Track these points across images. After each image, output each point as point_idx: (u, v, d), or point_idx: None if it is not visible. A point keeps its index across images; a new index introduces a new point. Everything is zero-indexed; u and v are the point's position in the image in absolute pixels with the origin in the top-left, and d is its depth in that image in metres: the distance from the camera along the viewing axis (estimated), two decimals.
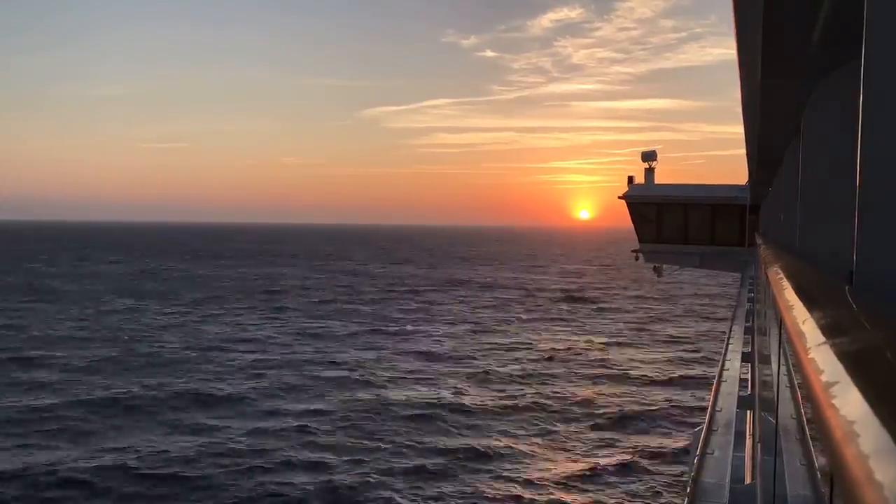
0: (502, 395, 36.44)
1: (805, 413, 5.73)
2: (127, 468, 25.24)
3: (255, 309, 69.48)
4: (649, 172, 35.45)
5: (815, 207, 6.40)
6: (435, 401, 34.61)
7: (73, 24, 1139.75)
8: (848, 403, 0.88)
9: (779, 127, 9.62)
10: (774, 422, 5.21)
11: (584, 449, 28.29)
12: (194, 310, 67.88)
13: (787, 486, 4.48)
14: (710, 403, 5.94)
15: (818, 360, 1.22)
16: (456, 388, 37.56)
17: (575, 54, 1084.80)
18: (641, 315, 69.13)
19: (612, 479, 25.18)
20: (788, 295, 2.45)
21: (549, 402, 35.34)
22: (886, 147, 2.40)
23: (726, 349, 8.33)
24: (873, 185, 2.43)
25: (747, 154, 16.22)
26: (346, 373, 40.58)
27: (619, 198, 35.34)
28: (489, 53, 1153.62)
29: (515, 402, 35.06)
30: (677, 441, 28.62)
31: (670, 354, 48.23)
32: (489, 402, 34.76)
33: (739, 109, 10.29)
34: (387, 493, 23.31)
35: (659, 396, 36.60)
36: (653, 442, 29.13)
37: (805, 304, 2.00)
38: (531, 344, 51.97)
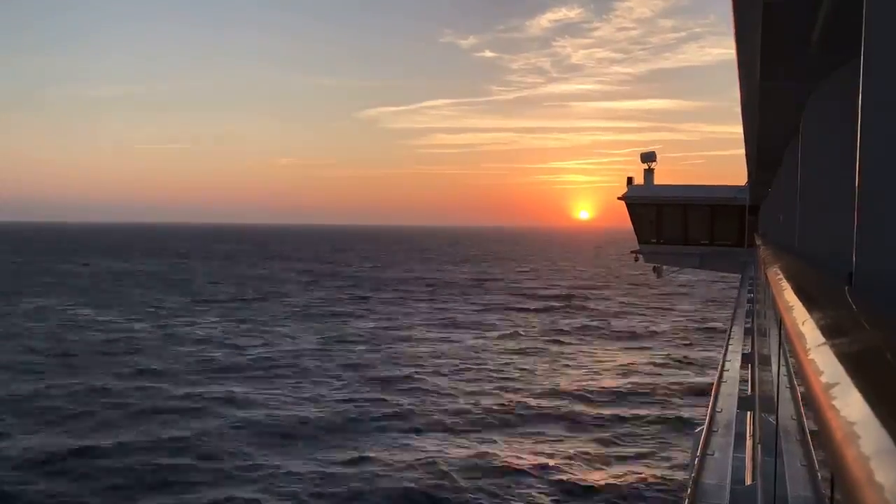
0: (489, 399, 36.45)
1: (805, 414, 5.74)
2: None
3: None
4: (649, 173, 35.47)
5: (815, 208, 6.40)
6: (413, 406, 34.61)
7: (71, 24, 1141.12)
8: (848, 404, 0.88)
9: (778, 127, 9.63)
10: (775, 423, 5.21)
11: (584, 449, 28.28)
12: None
13: (788, 487, 4.48)
14: (710, 404, 5.93)
15: (818, 361, 1.22)
16: (456, 393, 37.57)
17: (574, 54, 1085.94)
18: (641, 315, 69.17)
19: (613, 479, 25.17)
20: (788, 295, 2.45)
21: (544, 402, 35.35)
22: (886, 147, 2.40)
23: (726, 350, 8.32)
24: (873, 185, 2.43)
25: (746, 154, 16.23)
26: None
27: (619, 198, 35.35)
28: (488, 54, 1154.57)
29: (494, 401, 35.07)
30: (677, 442, 28.62)
31: (670, 355, 48.25)
32: (487, 405, 34.78)
33: (739, 109, 10.30)
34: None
35: (659, 397, 36.60)
36: (653, 442, 29.12)
37: (805, 304, 1.99)
38: (529, 347, 52.00)
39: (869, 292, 2.38)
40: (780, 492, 4.34)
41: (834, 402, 0.93)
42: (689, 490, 4.18)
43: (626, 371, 43.07)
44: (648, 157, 35.60)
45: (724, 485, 4.23)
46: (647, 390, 37.98)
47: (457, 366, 43.27)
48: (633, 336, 56.89)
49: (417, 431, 30.05)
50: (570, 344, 52.73)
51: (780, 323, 2.62)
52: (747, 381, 8.04)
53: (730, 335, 9.53)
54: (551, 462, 26.69)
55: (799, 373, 1.49)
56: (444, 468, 25.56)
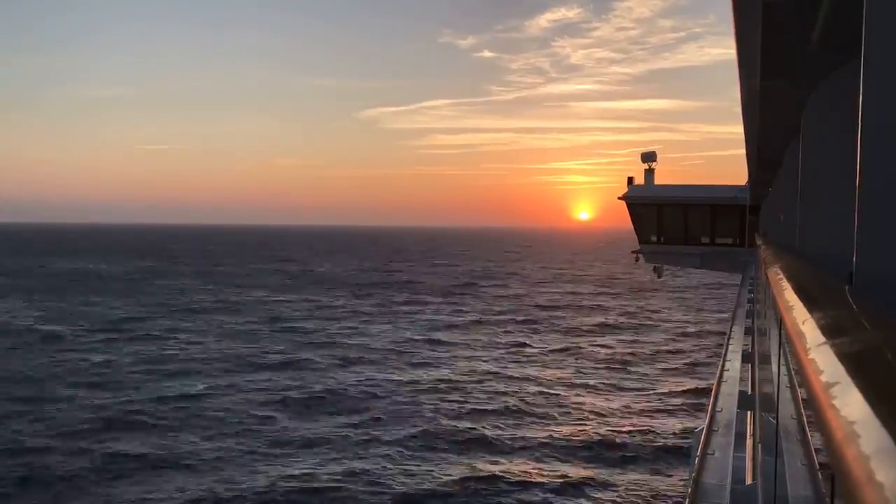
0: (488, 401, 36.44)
1: (805, 413, 5.73)
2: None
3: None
4: (649, 173, 35.46)
5: (815, 208, 6.40)
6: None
7: (71, 25, 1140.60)
8: (848, 404, 0.88)
9: (778, 127, 9.63)
10: (775, 422, 5.21)
11: (584, 449, 28.28)
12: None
13: (788, 486, 4.48)
14: (711, 404, 5.93)
15: (818, 361, 1.22)
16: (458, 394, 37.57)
17: (573, 54, 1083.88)
18: (641, 314, 69.18)
19: (613, 479, 25.16)
20: (788, 295, 2.45)
21: (544, 403, 35.36)
22: (886, 147, 2.40)
23: (726, 349, 8.32)
24: (873, 185, 2.44)
25: (747, 154, 16.22)
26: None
27: (619, 198, 35.34)
28: (487, 54, 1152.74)
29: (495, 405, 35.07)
30: (678, 442, 28.62)
31: (670, 354, 48.24)
32: (482, 407, 34.79)
33: (739, 110, 10.29)
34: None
35: (659, 397, 36.61)
36: (653, 442, 29.12)
37: (805, 304, 1.99)
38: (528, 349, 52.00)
39: (869, 292, 2.38)
40: (780, 491, 4.34)
41: (834, 402, 0.93)
42: (689, 489, 4.18)
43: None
44: (649, 157, 35.58)
45: (724, 484, 4.23)
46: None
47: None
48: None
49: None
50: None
51: (781, 322, 2.62)
52: (747, 380, 8.03)
53: (730, 335, 9.52)
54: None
55: (799, 372, 1.49)
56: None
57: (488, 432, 30.05)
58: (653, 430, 30.89)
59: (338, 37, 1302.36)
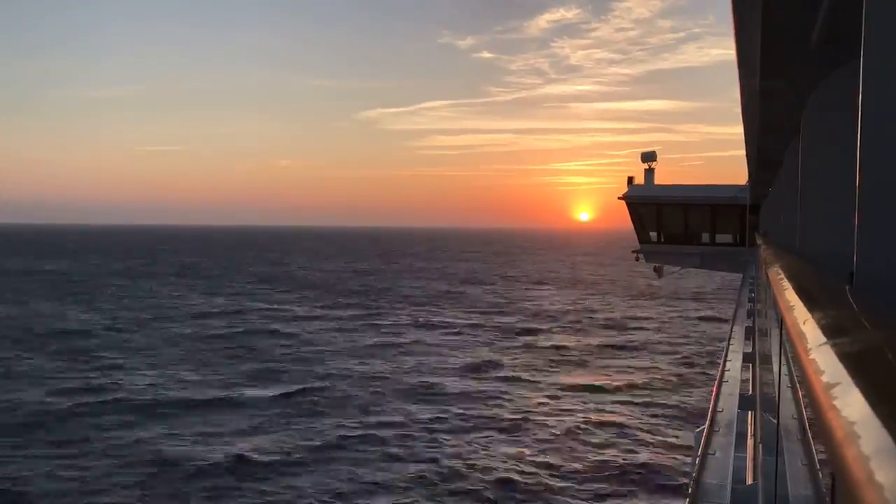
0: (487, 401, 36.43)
1: (806, 413, 5.73)
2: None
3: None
4: (649, 173, 35.44)
5: (816, 208, 6.40)
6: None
7: (69, 26, 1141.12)
8: (849, 404, 0.88)
9: (778, 127, 9.63)
10: (776, 422, 5.21)
11: (584, 449, 28.27)
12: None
13: (789, 486, 4.48)
14: (711, 404, 5.93)
15: (819, 361, 1.22)
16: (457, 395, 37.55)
17: (572, 55, 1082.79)
18: (640, 313, 69.15)
19: (614, 479, 25.16)
20: (789, 295, 2.45)
21: (546, 400, 35.36)
22: (886, 147, 2.40)
23: (727, 349, 8.31)
24: (873, 185, 2.43)
25: (747, 154, 16.22)
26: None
27: (619, 198, 35.32)
28: (486, 55, 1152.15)
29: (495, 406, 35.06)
30: (678, 441, 28.61)
31: (670, 354, 48.23)
32: (480, 406, 34.78)
33: (739, 110, 10.28)
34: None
35: (659, 396, 36.59)
36: (653, 442, 29.11)
37: (806, 304, 1.99)
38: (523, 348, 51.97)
39: (870, 292, 2.37)
40: (780, 491, 4.34)
41: (835, 402, 0.93)
42: (690, 489, 4.18)
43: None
44: (649, 157, 35.57)
45: (725, 484, 4.23)
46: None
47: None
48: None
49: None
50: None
51: (781, 322, 2.62)
52: (748, 380, 8.03)
53: (731, 335, 9.51)
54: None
55: (800, 372, 1.49)
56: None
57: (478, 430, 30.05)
58: (652, 429, 30.89)
59: (337, 37, 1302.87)
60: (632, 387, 38.80)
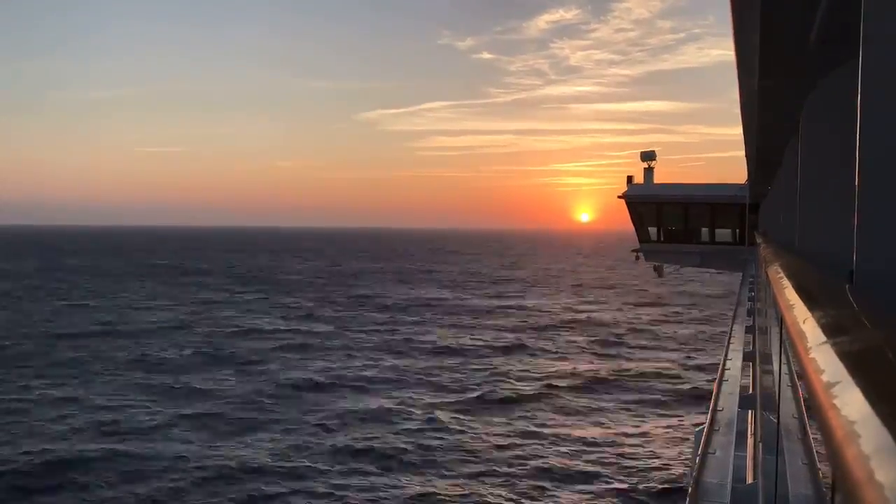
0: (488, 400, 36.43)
1: (806, 412, 5.73)
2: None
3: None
4: (648, 172, 35.46)
5: (815, 206, 6.40)
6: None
7: (69, 27, 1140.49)
8: (849, 403, 0.88)
9: (777, 127, 9.63)
10: (776, 421, 5.21)
11: (584, 449, 28.27)
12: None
13: (789, 485, 4.48)
14: (712, 403, 5.93)
15: (819, 360, 1.22)
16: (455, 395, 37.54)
17: (572, 56, 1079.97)
18: (640, 313, 69.17)
19: (614, 479, 25.16)
20: (789, 294, 2.45)
21: (546, 399, 35.37)
22: (885, 146, 2.41)
23: (727, 348, 8.32)
24: (872, 184, 2.44)
25: (746, 154, 16.22)
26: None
27: (619, 197, 35.32)
28: (486, 55, 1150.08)
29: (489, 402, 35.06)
30: (679, 441, 28.62)
31: (670, 354, 48.24)
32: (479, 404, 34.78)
33: (738, 110, 10.28)
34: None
35: (659, 396, 36.60)
36: (654, 441, 29.12)
37: (806, 303, 1.99)
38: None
39: (870, 291, 2.38)
40: (781, 490, 4.34)
41: (835, 401, 0.93)
42: (690, 488, 4.18)
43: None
44: (648, 156, 35.58)
45: (725, 483, 4.24)
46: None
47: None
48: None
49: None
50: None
51: (781, 321, 2.62)
52: (748, 379, 8.03)
53: (731, 334, 9.52)
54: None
55: (800, 371, 1.49)
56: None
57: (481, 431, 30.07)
58: (653, 429, 30.89)
59: (337, 38, 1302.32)
60: (632, 387, 38.84)
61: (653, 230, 35.31)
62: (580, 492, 24.05)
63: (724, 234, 34.49)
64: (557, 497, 23.59)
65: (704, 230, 34.81)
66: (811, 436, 5.30)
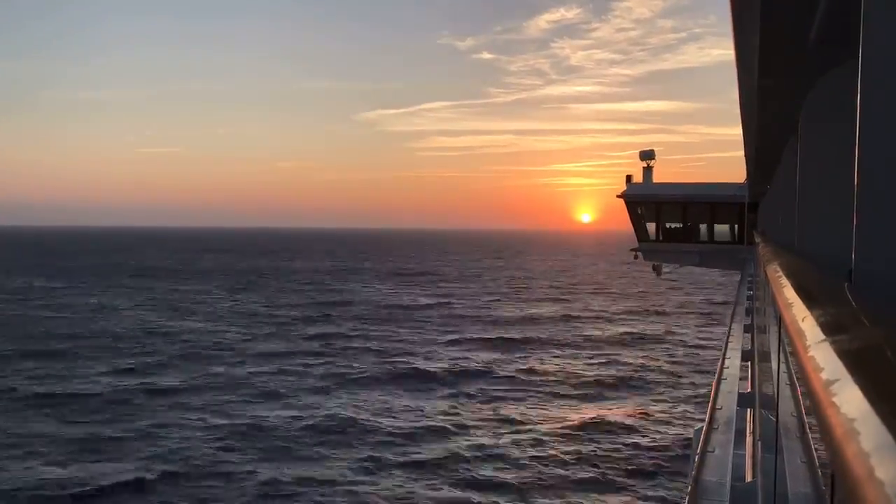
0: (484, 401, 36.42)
1: (805, 411, 5.74)
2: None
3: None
4: (647, 171, 35.43)
5: (814, 206, 6.40)
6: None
7: (66, 27, 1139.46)
8: (848, 401, 0.89)
9: (776, 125, 9.63)
10: (775, 419, 5.22)
11: (585, 447, 28.29)
12: None
13: (788, 483, 4.49)
14: (711, 401, 5.94)
15: (818, 358, 1.23)
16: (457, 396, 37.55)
17: (573, 56, 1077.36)
18: (640, 312, 69.20)
19: (614, 478, 25.18)
20: (788, 293, 2.45)
21: (545, 398, 35.38)
22: (884, 145, 2.41)
23: (726, 347, 8.33)
24: (871, 183, 2.44)
25: (745, 153, 16.21)
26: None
27: (618, 196, 35.30)
28: (486, 55, 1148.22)
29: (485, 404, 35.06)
30: (678, 439, 28.64)
31: (670, 354, 48.26)
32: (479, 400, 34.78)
33: (738, 110, 10.27)
34: None
35: (659, 395, 36.63)
36: (654, 440, 29.14)
37: (804, 301, 2.00)
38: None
39: (868, 289, 2.38)
40: (780, 488, 4.35)
41: (834, 399, 0.93)
42: (689, 487, 4.19)
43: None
44: (647, 156, 35.55)
45: (724, 482, 4.24)
46: None
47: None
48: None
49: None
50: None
51: (780, 320, 2.63)
52: (747, 378, 8.04)
53: (729, 332, 9.52)
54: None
55: (799, 370, 1.50)
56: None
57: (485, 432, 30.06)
58: (653, 428, 30.91)
59: (337, 39, 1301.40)
60: (633, 387, 38.85)
61: (652, 229, 35.29)
62: (580, 491, 24.06)
63: (722, 233, 34.49)
64: (557, 497, 23.60)
65: (703, 229, 34.81)
66: (810, 434, 5.31)
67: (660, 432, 30.33)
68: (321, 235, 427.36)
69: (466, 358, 45.76)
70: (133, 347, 49.06)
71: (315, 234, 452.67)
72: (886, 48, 2.33)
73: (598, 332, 57.34)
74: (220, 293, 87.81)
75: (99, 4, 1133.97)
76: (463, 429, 30.30)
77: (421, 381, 39.41)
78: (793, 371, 6.46)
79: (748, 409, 6.56)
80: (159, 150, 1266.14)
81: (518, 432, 30.05)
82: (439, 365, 43.41)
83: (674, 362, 45.20)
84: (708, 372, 38.64)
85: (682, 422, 31.30)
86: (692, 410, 32.66)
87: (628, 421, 32.00)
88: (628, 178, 35.64)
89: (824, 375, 1.08)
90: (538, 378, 40.09)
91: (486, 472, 25.46)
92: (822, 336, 1.39)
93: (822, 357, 1.21)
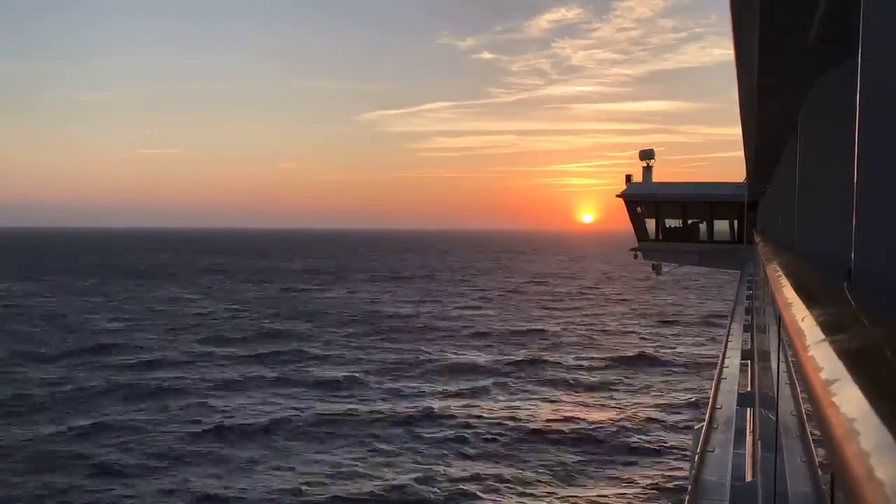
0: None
1: (805, 410, 5.74)
2: None
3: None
4: (647, 171, 35.42)
5: (814, 205, 6.40)
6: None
7: (66, 27, 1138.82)
8: (847, 400, 0.89)
9: (776, 125, 9.63)
10: (775, 419, 5.22)
11: (585, 447, 28.29)
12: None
13: (788, 483, 4.49)
14: (710, 401, 5.94)
15: (817, 358, 1.23)
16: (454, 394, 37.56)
17: (574, 55, 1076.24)
18: (640, 311, 69.20)
19: (614, 478, 25.18)
20: (787, 292, 2.45)
21: (542, 400, 35.38)
22: (883, 145, 2.41)
23: (726, 347, 8.33)
24: (871, 182, 2.44)
25: (745, 152, 16.21)
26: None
27: (618, 196, 35.30)
28: (486, 55, 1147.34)
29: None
30: (678, 439, 28.63)
31: (670, 353, 48.26)
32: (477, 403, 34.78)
33: (738, 110, 10.27)
34: None
35: (659, 394, 36.62)
36: (653, 440, 29.13)
37: (804, 301, 2.00)
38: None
39: (868, 289, 2.38)
40: (780, 488, 4.35)
41: (833, 399, 0.94)
42: (689, 486, 4.19)
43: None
44: (647, 155, 35.54)
45: (724, 481, 4.24)
46: None
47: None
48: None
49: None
50: None
51: (780, 319, 2.63)
52: (747, 377, 8.04)
53: (729, 332, 9.52)
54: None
55: (798, 369, 1.50)
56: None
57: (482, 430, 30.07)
58: (653, 428, 30.90)
59: (336, 39, 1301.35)
60: (634, 389, 38.85)
61: (651, 229, 35.29)
62: (580, 491, 24.06)
63: (722, 232, 34.48)
64: (557, 496, 23.60)
65: (703, 229, 34.81)
66: (810, 433, 5.31)
67: (660, 432, 30.32)
68: (321, 236, 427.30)
69: (466, 358, 45.77)
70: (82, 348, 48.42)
71: (315, 235, 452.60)
72: (886, 48, 2.33)
73: (597, 333, 57.34)
74: (218, 294, 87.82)
75: (99, 4, 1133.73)
76: (461, 428, 30.31)
77: (421, 380, 39.43)
78: (792, 370, 6.46)
79: (748, 409, 6.56)
80: (159, 151, 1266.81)
81: (518, 432, 30.04)
82: (435, 365, 43.46)
83: (674, 362, 45.18)
84: (707, 370, 38.65)
85: (681, 422, 31.29)
86: (692, 410, 32.66)
87: (628, 421, 31.99)
88: (628, 177, 35.63)
89: (824, 375, 1.08)
90: (537, 378, 40.09)
91: (484, 471, 25.46)
92: (821, 335, 1.39)
93: (822, 356, 1.21)
